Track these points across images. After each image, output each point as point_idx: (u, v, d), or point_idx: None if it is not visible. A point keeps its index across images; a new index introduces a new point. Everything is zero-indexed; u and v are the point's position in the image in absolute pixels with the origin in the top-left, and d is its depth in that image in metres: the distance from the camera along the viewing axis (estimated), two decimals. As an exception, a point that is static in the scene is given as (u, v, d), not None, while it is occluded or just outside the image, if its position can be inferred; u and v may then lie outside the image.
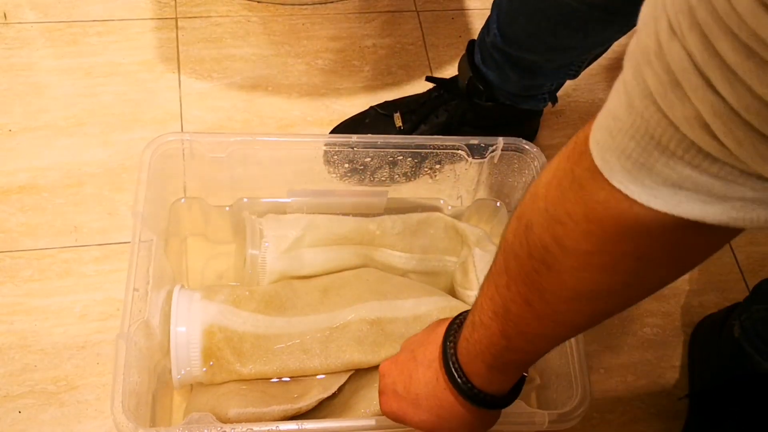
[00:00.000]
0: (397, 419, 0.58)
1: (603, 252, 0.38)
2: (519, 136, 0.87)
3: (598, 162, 0.36)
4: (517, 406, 0.68)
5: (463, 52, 0.94)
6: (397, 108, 0.99)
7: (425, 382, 0.56)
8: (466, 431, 0.56)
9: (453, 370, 0.53)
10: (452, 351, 0.53)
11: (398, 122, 0.97)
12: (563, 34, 0.79)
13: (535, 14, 0.80)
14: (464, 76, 0.94)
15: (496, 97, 0.93)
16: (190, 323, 0.74)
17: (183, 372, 0.74)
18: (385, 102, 1.02)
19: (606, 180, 0.35)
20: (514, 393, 0.55)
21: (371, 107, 1.01)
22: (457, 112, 0.96)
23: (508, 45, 0.84)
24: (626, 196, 0.35)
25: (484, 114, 0.95)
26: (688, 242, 0.37)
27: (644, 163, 0.33)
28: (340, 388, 0.75)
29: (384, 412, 0.60)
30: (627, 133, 0.34)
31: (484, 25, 0.89)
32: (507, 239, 0.45)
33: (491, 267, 0.48)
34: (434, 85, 0.99)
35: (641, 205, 0.34)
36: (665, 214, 0.34)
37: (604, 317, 0.44)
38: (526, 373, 0.56)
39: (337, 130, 0.99)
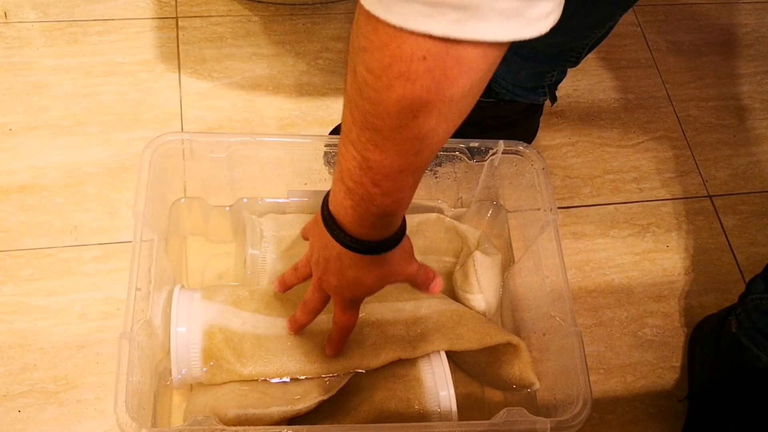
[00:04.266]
0: (329, 292, 0.66)
1: (393, 64, 0.43)
2: (519, 136, 0.88)
3: None
4: (519, 413, 0.68)
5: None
6: None
7: (327, 247, 0.60)
8: (365, 283, 0.62)
9: (329, 222, 0.58)
10: (326, 207, 0.58)
11: None
12: (565, 10, 0.79)
13: None
14: None
15: (496, 92, 0.93)
16: (191, 323, 0.74)
17: (183, 372, 0.73)
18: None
19: (363, 8, 0.42)
20: (391, 240, 0.59)
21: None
22: None
23: None
24: (377, 18, 0.41)
25: (485, 112, 0.95)
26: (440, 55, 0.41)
27: None
28: (340, 390, 0.75)
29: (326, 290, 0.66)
30: None
31: None
32: (346, 94, 0.49)
33: (341, 129, 0.52)
34: None
35: (387, 24, 0.41)
36: (405, 31, 0.40)
37: (435, 140, 0.48)
38: (401, 228, 0.60)
39: (337, 130, 0.99)
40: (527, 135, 1.04)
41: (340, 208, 0.56)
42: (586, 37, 0.85)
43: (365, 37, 0.43)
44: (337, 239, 0.58)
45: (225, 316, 0.75)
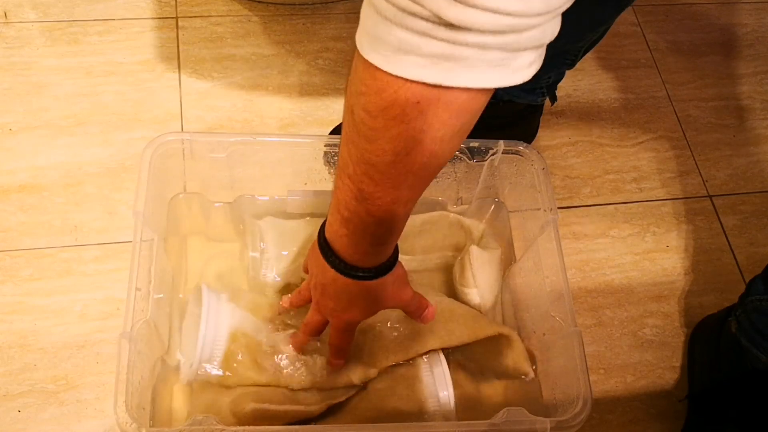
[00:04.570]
0: (326, 315, 0.69)
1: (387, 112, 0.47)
2: (519, 136, 0.88)
3: (357, 44, 0.46)
4: (519, 413, 0.68)
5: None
6: None
7: (324, 272, 0.63)
8: (360, 308, 0.65)
9: (325, 249, 0.61)
10: (322, 235, 0.62)
11: None
12: None
13: None
14: None
15: (494, 92, 0.93)
16: (219, 324, 0.75)
17: (201, 369, 0.74)
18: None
19: (362, 57, 0.45)
20: (383, 267, 0.62)
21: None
22: None
23: None
24: (375, 66, 0.45)
25: (483, 112, 0.95)
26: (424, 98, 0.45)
27: (376, 34, 0.44)
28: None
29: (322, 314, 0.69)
30: (366, 14, 0.44)
31: None
32: (344, 131, 0.53)
33: (337, 163, 0.56)
34: None
35: (384, 72, 0.44)
36: (401, 79, 0.44)
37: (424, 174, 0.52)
38: (394, 254, 0.63)
39: (337, 130, 0.99)
40: (527, 135, 1.04)
41: (336, 236, 0.60)
42: (580, 40, 0.85)
43: (363, 82, 0.47)
44: (333, 265, 0.61)
45: (247, 322, 0.77)
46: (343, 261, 0.60)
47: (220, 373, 0.74)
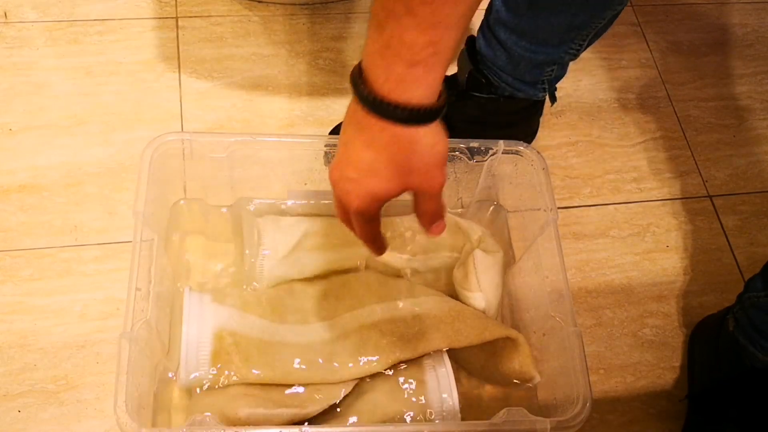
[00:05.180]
0: (343, 195, 0.59)
1: None
2: (519, 136, 0.88)
3: None
4: (519, 413, 0.68)
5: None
6: None
7: (350, 117, 0.55)
8: (382, 170, 0.54)
9: (356, 78, 0.52)
10: (356, 66, 0.52)
11: None
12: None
13: None
14: (464, 71, 0.94)
15: (496, 86, 0.93)
16: (202, 326, 0.74)
17: (190, 374, 0.74)
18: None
19: None
20: (425, 112, 0.51)
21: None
22: (457, 109, 0.96)
23: (512, 14, 0.84)
24: None
25: (485, 108, 0.95)
26: None
27: None
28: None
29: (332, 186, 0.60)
30: None
31: (486, 9, 0.89)
32: None
33: None
34: None
35: None
36: None
37: None
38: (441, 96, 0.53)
39: (336, 130, 0.99)
40: (527, 135, 1.04)
41: (370, 58, 0.50)
42: (586, 27, 0.84)
43: None
44: (361, 98, 0.51)
45: (234, 320, 0.76)
46: (374, 91, 0.50)
47: (210, 374, 0.74)
